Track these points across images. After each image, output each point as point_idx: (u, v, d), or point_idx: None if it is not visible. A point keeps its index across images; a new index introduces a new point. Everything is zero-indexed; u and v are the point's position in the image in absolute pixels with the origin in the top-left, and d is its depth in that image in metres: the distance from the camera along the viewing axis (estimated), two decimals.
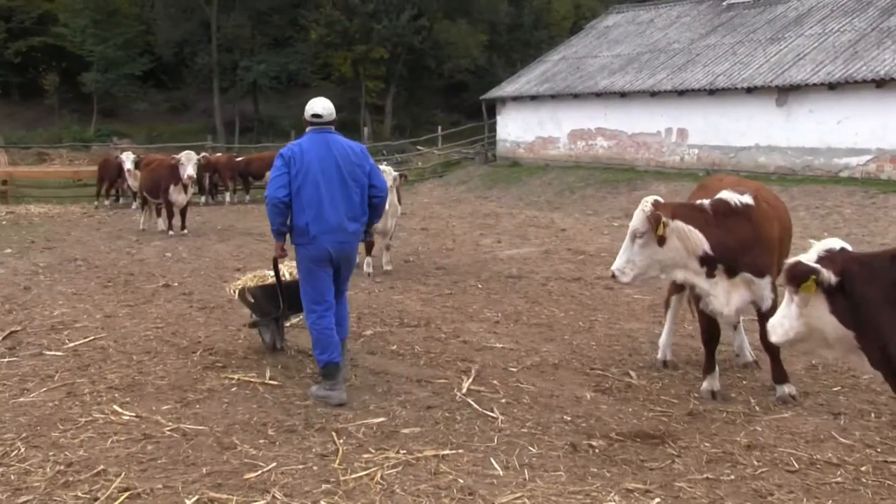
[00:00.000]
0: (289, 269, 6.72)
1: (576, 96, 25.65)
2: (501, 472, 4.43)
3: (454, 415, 5.35)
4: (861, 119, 18.53)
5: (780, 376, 5.74)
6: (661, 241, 5.34)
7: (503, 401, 5.64)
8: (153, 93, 43.83)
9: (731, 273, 5.50)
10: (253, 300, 6.91)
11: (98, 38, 40.97)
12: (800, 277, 3.73)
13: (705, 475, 4.41)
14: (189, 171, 13.91)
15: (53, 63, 41.96)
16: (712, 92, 21.51)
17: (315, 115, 5.80)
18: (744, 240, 5.43)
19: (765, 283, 5.54)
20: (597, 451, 4.76)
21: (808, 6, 23.35)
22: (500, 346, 7.19)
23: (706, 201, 5.55)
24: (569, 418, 5.31)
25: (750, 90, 20.55)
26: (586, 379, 6.21)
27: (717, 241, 5.37)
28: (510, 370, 6.39)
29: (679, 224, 5.34)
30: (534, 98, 27.21)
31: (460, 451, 4.71)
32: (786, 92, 19.90)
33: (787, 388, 5.70)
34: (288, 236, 5.78)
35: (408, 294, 9.51)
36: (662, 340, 6.71)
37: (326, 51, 40.98)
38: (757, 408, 5.54)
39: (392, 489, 4.19)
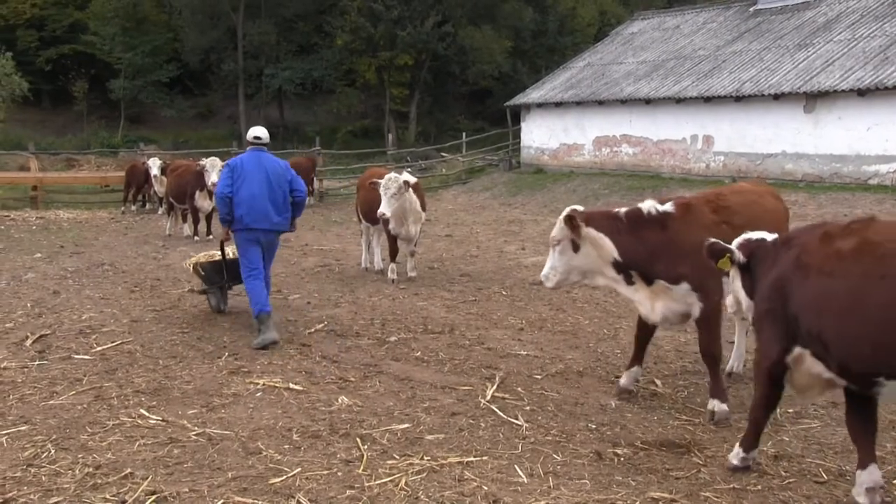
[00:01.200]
0: (232, 250, 8.34)
1: (601, 103, 25.55)
2: (526, 480, 4.41)
3: (478, 422, 5.34)
4: (892, 125, 18.26)
5: (715, 391, 5.54)
6: (576, 248, 5.63)
7: (527, 408, 5.63)
8: (179, 99, 44.38)
9: (648, 281, 5.57)
10: (203, 273, 8.71)
11: (126, 46, 41.61)
12: (717, 254, 4.60)
13: (731, 485, 4.37)
14: (213, 177, 13.97)
15: (83, 70, 42.61)
16: (739, 98, 21.33)
17: (256, 138, 7.86)
18: (655, 248, 5.46)
19: (683, 291, 5.48)
20: (622, 459, 4.73)
21: (837, 11, 23.09)
22: (525, 353, 7.17)
23: (623, 209, 5.69)
24: (594, 426, 5.29)
25: (777, 97, 20.35)
26: (611, 387, 6.17)
27: (626, 248, 5.52)
28: (534, 377, 6.37)
29: (591, 231, 5.55)
30: (558, 105, 27.15)
31: (485, 458, 4.70)
32: (814, 98, 19.68)
33: (716, 406, 5.47)
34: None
35: (432, 301, 9.52)
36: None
37: (351, 57, 41.18)
38: (783, 418, 5.47)
39: (416, 495, 4.19)
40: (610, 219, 5.64)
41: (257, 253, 7.64)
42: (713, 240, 4.65)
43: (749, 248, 4.56)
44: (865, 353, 3.76)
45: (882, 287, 3.68)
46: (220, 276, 8.59)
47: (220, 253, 8.60)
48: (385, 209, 9.92)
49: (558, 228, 5.66)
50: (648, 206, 5.60)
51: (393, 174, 10.23)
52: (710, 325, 5.53)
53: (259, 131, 7.93)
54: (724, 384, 5.63)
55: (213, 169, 14.19)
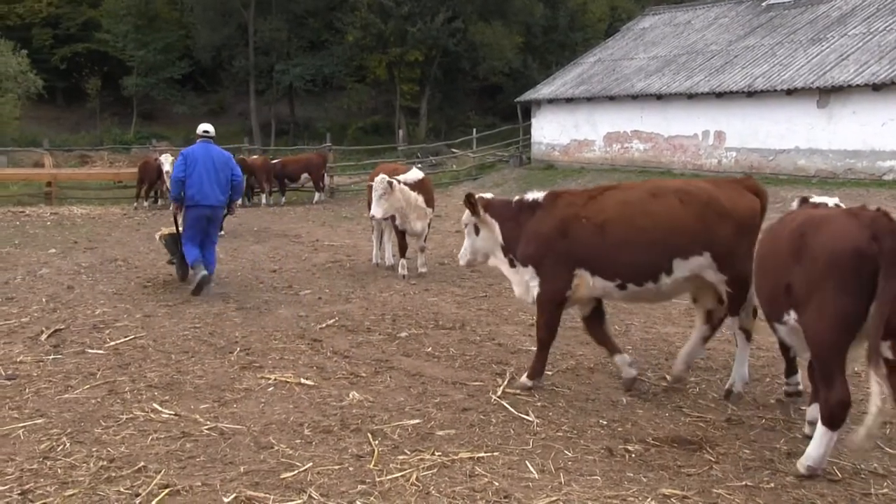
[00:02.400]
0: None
1: (612, 98, 25.46)
2: (537, 476, 4.41)
3: (489, 417, 5.34)
4: None
5: (531, 369, 6.04)
6: (477, 231, 6.33)
7: (538, 404, 5.63)
8: (191, 96, 44.57)
9: (515, 264, 6.17)
10: (164, 243, 10.38)
11: (139, 43, 41.83)
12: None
13: (744, 482, 4.35)
14: (167, 167, 14.54)
15: (96, 68, 42.87)
16: (751, 94, 21.22)
17: (205, 132, 9.88)
18: (521, 234, 6.04)
19: (526, 273, 6.03)
20: (633, 455, 4.72)
21: (851, 5, 22.90)
22: (536, 348, 7.16)
23: (517, 197, 6.29)
24: (605, 422, 5.28)
25: (790, 92, 20.23)
26: (622, 383, 6.16)
27: (506, 233, 6.14)
28: (545, 373, 6.36)
29: (487, 216, 6.22)
30: (569, 100, 27.08)
31: (496, 453, 4.71)
32: (827, 93, 19.55)
33: (523, 378, 6.04)
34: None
35: (443, 296, 9.53)
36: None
37: (362, 53, 41.22)
38: (797, 415, 5.45)
39: (427, 491, 4.20)
40: (502, 206, 6.27)
41: (201, 228, 9.54)
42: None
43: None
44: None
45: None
46: (176, 245, 9.99)
47: (175, 225, 9.98)
48: (375, 211, 10.24)
49: (466, 212, 6.34)
50: (530, 195, 6.18)
51: (381, 176, 10.31)
52: (543, 309, 5.99)
53: (207, 127, 9.99)
54: (542, 366, 6.03)
55: (167, 161, 17.57)
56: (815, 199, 5.40)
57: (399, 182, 10.27)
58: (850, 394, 4.27)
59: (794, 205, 5.41)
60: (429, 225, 11.12)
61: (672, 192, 5.77)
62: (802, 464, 4.43)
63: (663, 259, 5.58)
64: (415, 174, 10.82)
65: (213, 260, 9.83)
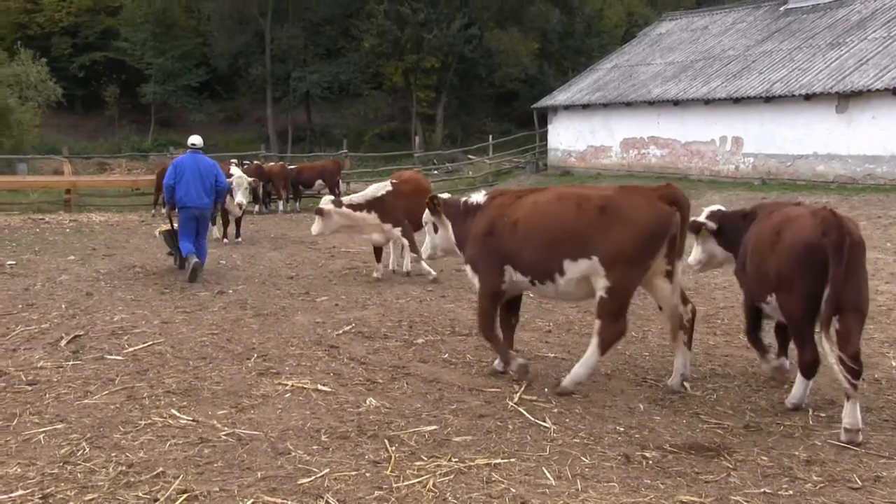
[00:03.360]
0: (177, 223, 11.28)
1: (628, 104, 25.43)
2: (554, 482, 4.40)
3: (506, 424, 5.33)
4: None
5: (502, 360, 6.52)
6: (436, 229, 6.93)
7: (555, 410, 5.61)
8: (208, 103, 44.91)
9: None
10: (163, 238, 12.08)
11: (157, 51, 42.23)
12: (695, 228, 6.45)
13: (762, 489, 4.32)
14: (239, 198, 14.59)
15: (114, 76, 43.28)
16: (769, 99, 21.12)
17: (192, 145, 11.33)
18: (467, 234, 6.56)
19: (469, 273, 6.59)
20: (650, 462, 4.70)
21: (871, 9, 22.76)
22: (552, 355, 7.16)
23: (464, 198, 6.84)
24: (622, 429, 5.26)
25: (808, 97, 20.12)
26: (639, 389, 6.14)
27: (457, 232, 6.72)
28: (562, 380, 6.34)
29: (443, 216, 6.78)
30: (586, 107, 27.06)
31: (512, 459, 4.70)
32: (846, 98, 19.43)
33: (496, 362, 6.63)
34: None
35: (459, 303, 9.53)
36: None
37: (378, 60, 41.38)
38: (815, 422, 5.41)
39: (444, 497, 4.20)
40: (455, 206, 6.78)
41: (192, 227, 10.94)
42: (694, 218, 6.34)
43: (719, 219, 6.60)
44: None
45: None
46: (172, 239, 11.58)
47: (170, 223, 11.87)
48: (312, 229, 11.19)
49: (426, 212, 6.90)
50: (474, 197, 6.70)
51: (325, 198, 11.36)
52: (480, 301, 6.54)
53: (195, 139, 11.48)
54: (506, 354, 6.45)
55: (240, 188, 15.51)
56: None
57: (337, 206, 10.88)
58: (818, 352, 5.35)
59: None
60: (404, 233, 11.18)
61: (574, 197, 6.01)
62: (789, 401, 5.67)
63: (556, 260, 5.90)
64: (374, 191, 11.14)
65: (205, 252, 11.36)
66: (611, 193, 5.91)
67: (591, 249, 5.71)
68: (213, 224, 12.91)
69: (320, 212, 10.84)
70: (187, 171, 10.86)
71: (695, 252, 6.80)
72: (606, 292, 5.73)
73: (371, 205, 10.94)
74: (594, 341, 5.87)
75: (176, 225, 11.43)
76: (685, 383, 6.11)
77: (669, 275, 5.86)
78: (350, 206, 10.90)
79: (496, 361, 6.57)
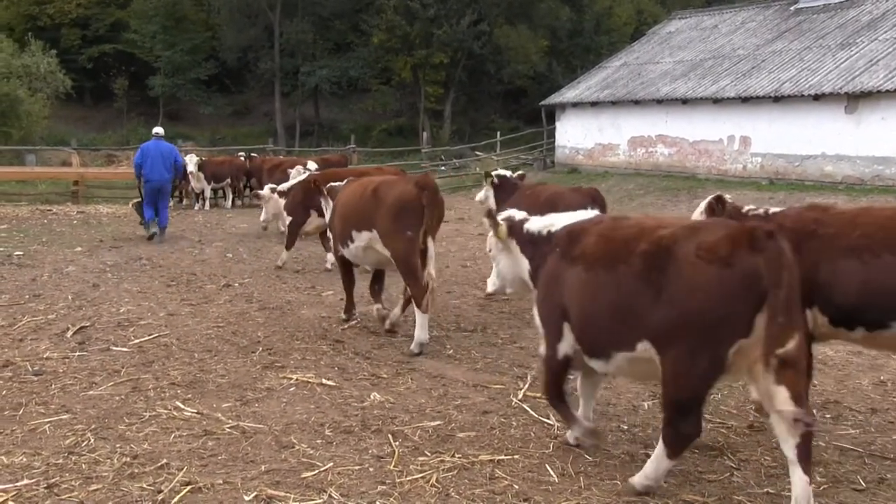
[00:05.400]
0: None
1: (637, 103, 25.37)
2: (557, 479, 4.40)
3: (510, 420, 5.34)
4: None
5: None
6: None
7: None
8: (217, 97, 44.97)
9: None
10: (135, 209, 14.86)
11: (166, 44, 42.31)
12: None
13: (766, 489, 4.32)
14: (191, 167, 19.02)
15: (123, 68, 43.40)
16: (777, 99, 21.05)
17: (156, 133, 14.58)
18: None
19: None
20: None
21: (882, 10, 22.63)
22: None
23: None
24: (626, 427, 5.26)
25: (817, 97, 20.04)
26: (644, 388, 6.13)
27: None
28: (567, 377, 6.34)
29: None
30: (594, 104, 27.01)
31: (516, 456, 4.70)
32: (856, 99, 19.35)
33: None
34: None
35: (465, 299, 9.53)
36: None
37: (387, 56, 41.35)
38: (819, 423, 5.39)
39: (447, 492, 4.20)
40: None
41: (154, 196, 14.04)
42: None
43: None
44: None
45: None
46: (140, 210, 14.29)
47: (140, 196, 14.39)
48: (261, 217, 13.33)
49: None
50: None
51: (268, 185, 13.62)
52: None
53: (158, 129, 14.93)
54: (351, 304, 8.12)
55: (191, 162, 19.59)
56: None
57: (272, 192, 12.44)
58: None
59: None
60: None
61: (370, 182, 7.51)
62: None
63: (349, 230, 7.49)
64: (294, 181, 12.34)
65: (165, 217, 14.38)
66: (385, 179, 7.60)
67: (368, 224, 7.22)
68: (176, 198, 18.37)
69: (258, 196, 12.92)
70: (152, 153, 13.96)
71: None
72: (393, 260, 7.14)
73: (284, 194, 11.93)
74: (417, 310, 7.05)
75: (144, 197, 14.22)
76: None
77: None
78: (279, 193, 12.04)
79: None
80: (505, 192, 10.03)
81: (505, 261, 5.15)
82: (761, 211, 5.17)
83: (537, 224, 4.88)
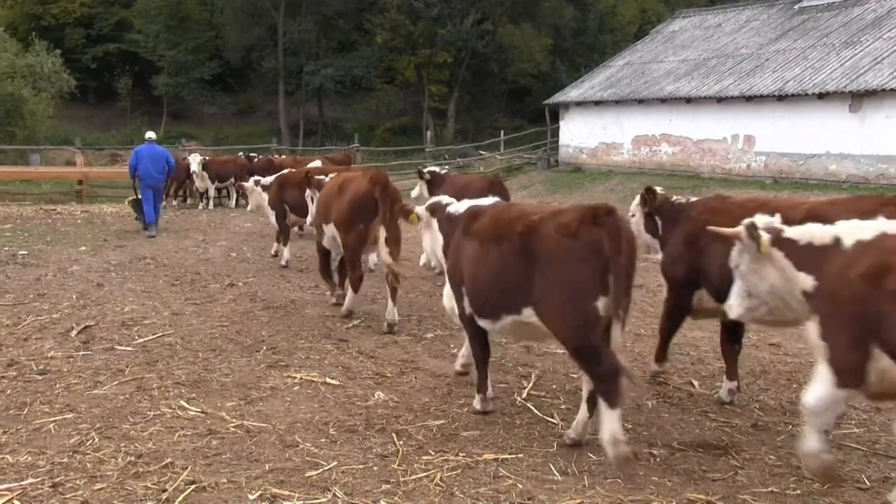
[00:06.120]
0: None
1: (640, 102, 25.34)
2: (560, 478, 4.40)
3: (514, 419, 5.34)
4: None
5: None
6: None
7: (563, 407, 5.61)
8: (221, 96, 45.01)
9: None
10: (131, 206, 15.89)
11: (170, 44, 42.36)
12: None
13: (770, 488, 4.31)
14: (194, 167, 20.20)
15: (127, 67, 43.45)
16: (781, 98, 21.00)
17: (149, 138, 15.51)
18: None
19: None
20: (658, 459, 4.69)
21: (887, 8, 22.56)
22: (561, 351, 7.09)
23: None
24: (630, 426, 5.25)
25: (822, 96, 19.99)
26: (648, 387, 6.12)
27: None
28: (571, 376, 6.35)
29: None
30: (598, 103, 26.99)
31: (520, 455, 4.70)
32: (860, 97, 19.30)
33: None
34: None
35: None
36: None
37: (391, 55, 41.37)
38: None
39: (451, 491, 4.20)
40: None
41: (149, 193, 15.07)
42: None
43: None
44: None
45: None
46: (137, 206, 15.41)
47: (135, 193, 15.48)
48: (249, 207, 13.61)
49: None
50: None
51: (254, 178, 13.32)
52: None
53: (150, 134, 15.88)
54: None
55: (195, 161, 20.35)
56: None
57: (255, 185, 12.67)
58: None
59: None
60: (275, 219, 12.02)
61: (339, 179, 8.46)
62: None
63: (321, 222, 8.51)
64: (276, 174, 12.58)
65: (159, 212, 15.62)
66: (348, 175, 8.53)
67: (329, 217, 8.25)
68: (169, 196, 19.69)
69: (243, 188, 13.83)
70: (145, 156, 15.08)
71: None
72: (343, 248, 8.17)
73: (266, 188, 12.23)
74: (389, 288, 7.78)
75: (139, 195, 15.32)
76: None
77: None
78: (262, 186, 12.35)
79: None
80: (436, 185, 11.67)
81: (428, 237, 5.97)
82: (684, 200, 6.11)
83: (453, 207, 5.65)
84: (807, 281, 4.13)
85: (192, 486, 4.20)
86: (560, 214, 4.64)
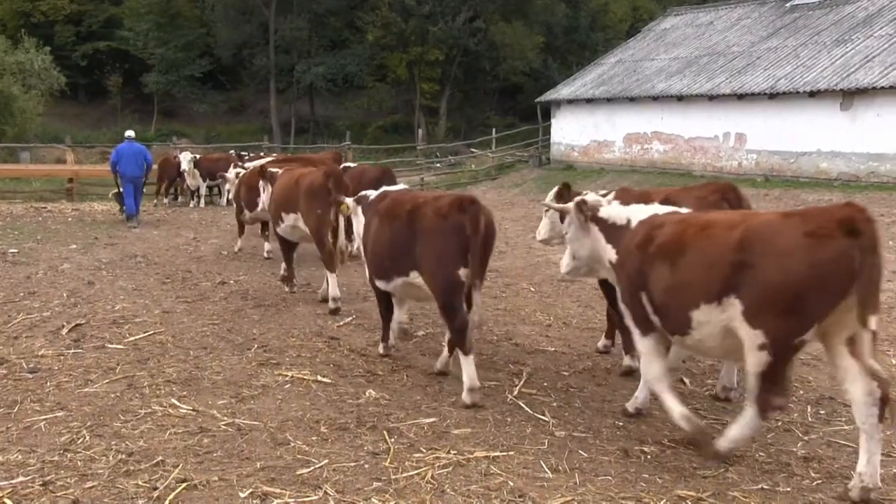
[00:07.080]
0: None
1: (632, 99, 25.39)
2: (552, 476, 4.41)
3: (505, 417, 5.35)
4: None
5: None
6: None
7: (554, 404, 5.62)
8: (212, 94, 44.88)
9: None
10: (115, 199, 17.37)
11: (160, 41, 42.21)
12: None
13: (760, 485, 4.33)
14: (184, 165, 20.33)
15: (117, 65, 43.30)
16: (773, 96, 21.08)
17: (128, 136, 16.90)
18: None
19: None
20: (649, 456, 4.71)
21: (878, 6, 22.65)
22: (552, 349, 7.16)
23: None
24: (620, 423, 5.27)
25: (813, 94, 20.07)
26: (638, 384, 6.13)
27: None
28: (562, 374, 6.37)
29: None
30: (589, 101, 27.02)
31: (511, 452, 4.71)
32: (851, 95, 19.38)
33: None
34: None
35: None
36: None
37: (382, 53, 41.31)
38: (813, 419, 5.42)
39: (442, 489, 4.21)
40: None
41: (130, 188, 16.27)
42: None
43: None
44: None
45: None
46: (119, 199, 16.80)
47: (117, 187, 16.83)
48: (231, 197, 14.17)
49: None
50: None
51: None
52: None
53: (130, 133, 17.17)
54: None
55: (185, 160, 20.41)
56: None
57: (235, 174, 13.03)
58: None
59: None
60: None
61: (295, 173, 9.24)
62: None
63: (286, 211, 9.14)
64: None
65: (139, 205, 16.68)
66: (305, 171, 9.31)
67: (293, 207, 9.11)
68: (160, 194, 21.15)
69: (223, 178, 15.10)
70: (125, 153, 16.31)
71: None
72: (312, 235, 8.92)
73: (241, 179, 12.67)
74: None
75: (121, 189, 16.57)
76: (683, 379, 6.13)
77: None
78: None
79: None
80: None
81: (356, 224, 6.88)
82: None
83: (370, 194, 6.72)
84: (612, 253, 5.17)
85: (184, 484, 4.19)
86: (438, 199, 5.78)
